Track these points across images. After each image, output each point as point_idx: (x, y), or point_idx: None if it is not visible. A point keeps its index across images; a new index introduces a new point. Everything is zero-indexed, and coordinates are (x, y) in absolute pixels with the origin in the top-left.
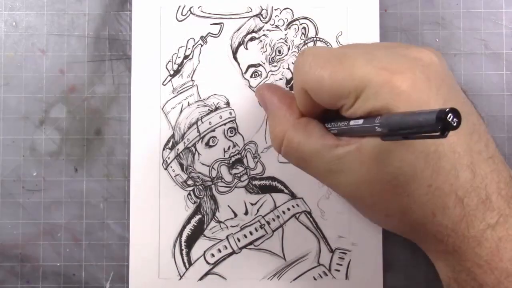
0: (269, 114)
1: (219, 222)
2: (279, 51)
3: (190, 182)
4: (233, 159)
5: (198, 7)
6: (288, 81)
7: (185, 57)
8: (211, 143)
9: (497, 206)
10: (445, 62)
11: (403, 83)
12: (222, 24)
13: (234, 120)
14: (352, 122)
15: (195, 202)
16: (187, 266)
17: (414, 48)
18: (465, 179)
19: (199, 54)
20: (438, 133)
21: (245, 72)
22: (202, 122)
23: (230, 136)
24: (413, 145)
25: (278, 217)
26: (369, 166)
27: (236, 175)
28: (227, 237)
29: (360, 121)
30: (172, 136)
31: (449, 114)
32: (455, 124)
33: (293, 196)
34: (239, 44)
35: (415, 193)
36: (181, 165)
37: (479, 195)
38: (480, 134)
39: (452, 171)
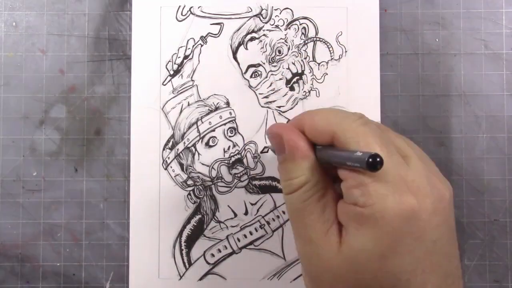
0: (289, 159)
1: (219, 222)
2: (279, 51)
3: (190, 182)
4: (233, 159)
5: (198, 7)
6: (288, 81)
7: (185, 57)
8: (211, 143)
9: None
10: (452, 199)
11: (410, 204)
12: (222, 24)
13: (234, 120)
14: (335, 149)
15: (195, 202)
16: (187, 266)
17: (438, 175)
18: None
19: (199, 54)
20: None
21: (245, 72)
22: (202, 122)
23: (230, 136)
24: (389, 266)
25: (278, 217)
26: (342, 263)
27: (236, 175)
28: (227, 237)
29: (343, 150)
30: (172, 136)
31: (376, 158)
32: (378, 166)
33: None
34: (239, 44)
35: None
36: (181, 165)
37: None
38: (454, 279)
39: None
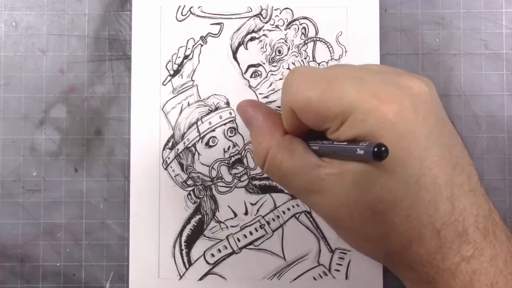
0: (253, 130)
1: (219, 222)
2: (279, 51)
3: (190, 182)
4: (233, 159)
5: (198, 7)
6: None
7: (185, 57)
8: (211, 143)
9: (473, 239)
10: (435, 91)
11: (390, 111)
12: (222, 24)
13: (234, 120)
14: (335, 143)
15: (195, 202)
16: (187, 266)
17: (406, 76)
18: (444, 211)
19: (199, 54)
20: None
21: (245, 72)
22: (202, 122)
23: (230, 136)
24: (395, 174)
25: (278, 217)
26: (349, 190)
27: (236, 175)
28: (227, 237)
29: (343, 143)
30: (172, 136)
31: (381, 148)
32: (383, 155)
33: (293, 196)
34: (239, 44)
35: (393, 222)
36: (181, 165)
37: (456, 228)
38: (463, 166)
39: (431, 203)
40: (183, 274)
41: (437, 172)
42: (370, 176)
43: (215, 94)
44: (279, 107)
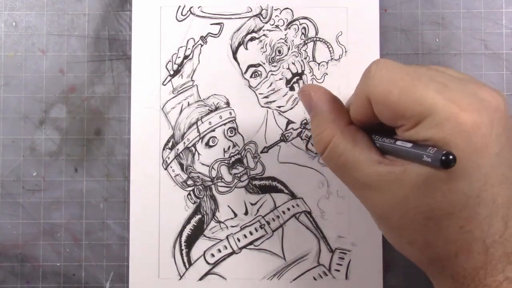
0: (316, 115)
1: (219, 222)
2: (279, 51)
3: (190, 182)
4: (233, 159)
5: (198, 7)
6: (288, 81)
7: (185, 57)
8: (211, 143)
9: None
10: (509, 109)
11: (468, 121)
12: (222, 24)
13: (234, 120)
14: (399, 143)
15: (195, 202)
16: (187, 266)
17: (486, 89)
18: (497, 229)
19: (199, 54)
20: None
21: (245, 72)
22: (202, 122)
23: (230, 136)
24: (459, 185)
25: (278, 217)
26: (408, 191)
27: (236, 175)
28: (227, 237)
29: (409, 145)
30: (172, 136)
31: (449, 156)
32: (451, 165)
33: (293, 196)
34: (239, 44)
35: (446, 230)
36: (181, 165)
37: (505, 248)
38: None
39: (486, 219)
40: (183, 274)
41: (498, 191)
42: (433, 182)
43: (215, 94)
44: (279, 107)
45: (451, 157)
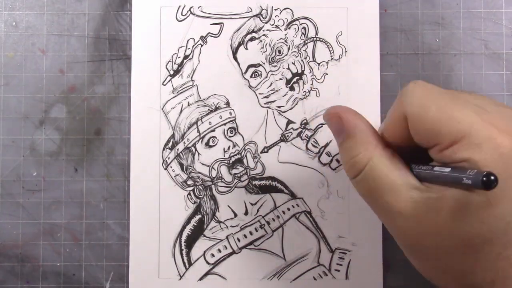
0: (349, 138)
1: (219, 222)
2: (279, 51)
3: (190, 182)
4: (233, 159)
5: (198, 7)
6: (288, 81)
7: (185, 57)
8: (211, 143)
9: None
10: None
11: (507, 144)
12: (222, 24)
13: (234, 120)
14: (436, 168)
15: (195, 202)
16: (187, 266)
17: None
18: None
19: (199, 54)
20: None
21: (245, 72)
22: (202, 122)
23: (230, 136)
24: (497, 210)
25: (278, 217)
26: (445, 218)
27: (236, 175)
28: (227, 237)
29: (447, 169)
30: (172, 136)
31: (490, 177)
32: (492, 185)
33: (293, 196)
34: (239, 44)
35: (484, 258)
36: (181, 165)
37: None
38: None
39: None
40: (183, 274)
41: None
42: (471, 207)
43: (215, 94)
44: (279, 107)
45: (492, 177)
